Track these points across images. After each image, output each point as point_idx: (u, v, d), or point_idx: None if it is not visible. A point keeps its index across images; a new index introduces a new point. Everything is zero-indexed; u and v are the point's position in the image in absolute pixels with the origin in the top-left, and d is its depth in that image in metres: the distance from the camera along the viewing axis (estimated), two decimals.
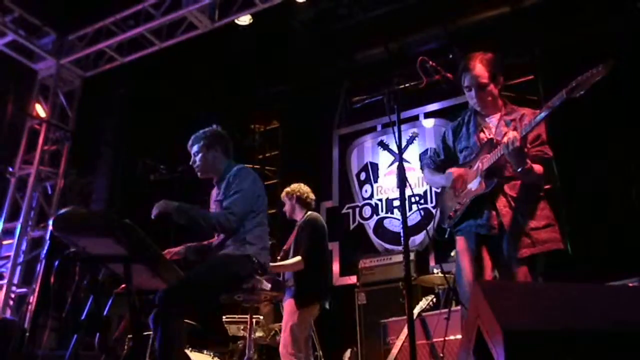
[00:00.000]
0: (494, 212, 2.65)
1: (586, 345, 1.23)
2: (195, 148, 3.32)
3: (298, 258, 4.02)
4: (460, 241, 2.76)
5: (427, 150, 6.52)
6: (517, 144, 2.42)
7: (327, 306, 4.11)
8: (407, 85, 2.33)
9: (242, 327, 5.02)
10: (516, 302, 1.35)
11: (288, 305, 4.04)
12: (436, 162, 3.07)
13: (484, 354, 1.35)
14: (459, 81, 2.82)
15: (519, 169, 2.52)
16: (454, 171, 2.85)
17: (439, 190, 3.08)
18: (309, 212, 4.32)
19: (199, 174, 3.32)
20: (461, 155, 2.91)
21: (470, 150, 2.84)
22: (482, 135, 2.82)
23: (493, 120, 2.84)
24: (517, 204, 2.65)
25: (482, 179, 2.66)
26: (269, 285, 3.14)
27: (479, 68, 2.78)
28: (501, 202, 2.66)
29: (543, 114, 2.46)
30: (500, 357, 1.22)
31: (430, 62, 2.42)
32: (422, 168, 3.21)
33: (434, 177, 3.04)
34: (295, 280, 4.06)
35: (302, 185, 4.48)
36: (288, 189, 4.47)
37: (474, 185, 2.70)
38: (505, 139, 2.50)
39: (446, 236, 2.86)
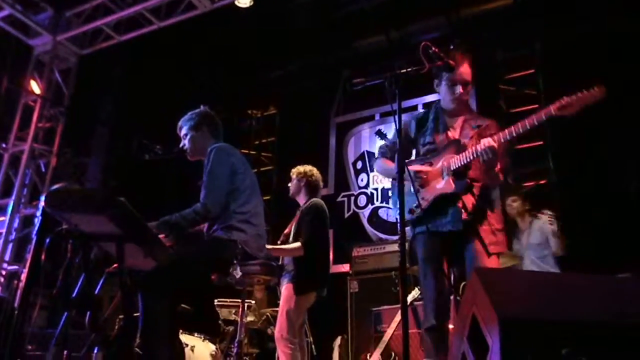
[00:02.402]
0: (461, 210, 2.71)
1: (582, 336, 1.22)
2: (184, 130, 3.27)
3: (298, 244, 3.98)
4: (425, 247, 2.77)
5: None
6: (494, 149, 2.54)
7: (323, 294, 4.10)
8: (409, 70, 2.31)
9: (233, 311, 5.02)
10: (513, 290, 1.34)
11: (286, 290, 4.01)
12: (394, 151, 3.03)
13: (478, 341, 1.34)
14: (441, 74, 2.87)
15: (492, 172, 2.66)
16: (414, 169, 2.85)
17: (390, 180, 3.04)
18: (314, 199, 4.27)
19: (188, 156, 3.28)
20: (423, 149, 2.94)
21: (434, 147, 2.88)
22: (449, 134, 2.88)
23: (458, 121, 2.90)
24: (482, 204, 2.75)
25: (451, 178, 2.71)
26: (240, 274, 3.07)
27: (466, 66, 2.84)
28: (469, 201, 2.73)
29: (525, 127, 2.51)
30: (495, 344, 1.21)
31: (433, 48, 2.40)
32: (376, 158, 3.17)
33: (390, 166, 3.01)
34: (295, 266, 4.02)
35: (314, 169, 4.41)
36: (300, 168, 4.37)
37: (440, 184, 2.74)
38: (482, 144, 2.59)
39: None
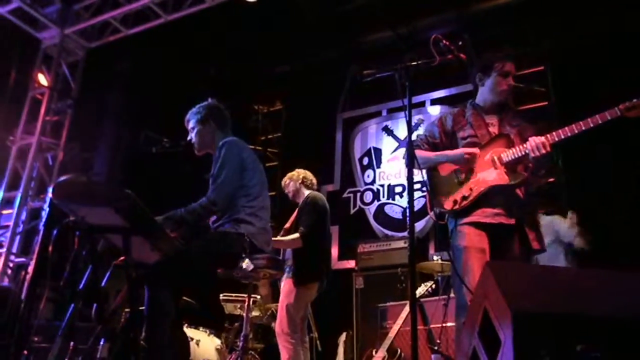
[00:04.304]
0: (512, 203, 2.69)
1: (597, 331, 1.20)
2: (191, 124, 3.25)
3: (296, 235, 4.03)
4: (469, 236, 2.68)
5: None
6: (547, 149, 2.52)
7: (324, 286, 4.11)
8: (419, 62, 2.28)
9: (238, 306, 5.02)
10: (526, 284, 1.32)
11: (286, 284, 4.06)
12: (430, 143, 3.00)
13: (490, 336, 1.32)
14: (491, 66, 2.86)
15: (540, 172, 2.68)
16: (470, 152, 2.79)
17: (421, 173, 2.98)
18: (311, 192, 4.34)
19: (196, 150, 3.26)
20: (463, 142, 2.90)
21: (477, 140, 2.84)
22: (490, 129, 2.86)
23: (495, 119, 2.89)
24: (528, 199, 2.76)
25: (503, 170, 2.69)
26: (251, 266, 3.06)
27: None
28: (522, 196, 2.74)
29: (580, 129, 2.50)
30: (507, 339, 1.19)
31: (444, 41, 2.38)
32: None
33: (428, 154, 2.94)
34: (294, 258, 4.07)
35: (308, 172, 4.54)
36: (292, 173, 4.51)
37: (489, 175, 2.70)
38: (532, 143, 2.57)
39: (445, 220, 2.85)
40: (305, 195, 4.34)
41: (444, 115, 3.04)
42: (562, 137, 2.53)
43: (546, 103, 5.93)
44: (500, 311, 1.26)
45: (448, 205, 2.78)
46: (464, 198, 2.72)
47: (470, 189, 2.72)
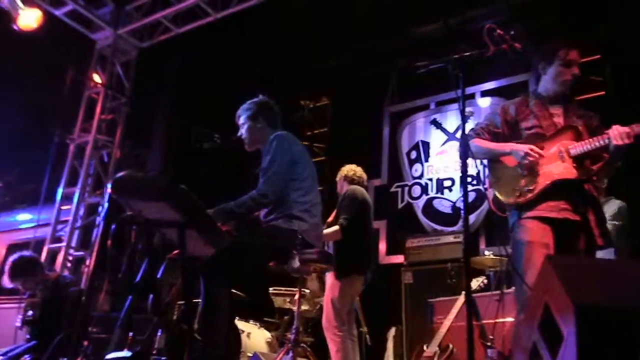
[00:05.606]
0: (578, 198, 2.61)
1: None
2: (241, 119, 3.30)
3: (336, 227, 4.08)
4: (533, 231, 2.59)
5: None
6: (630, 140, 2.43)
7: (367, 280, 4.14)
8: (473, 52, 2.24)
9: (288, 300, 5.07)
10: (588, 278, 1.28)
11: (329, 278, 4.12)
12: (491, 132, 2.91)
13: (550, 330, 1.28)
14: (554, 55, 2.78)
15: (616, 164, 2.60)
16: (527, 147, 2.70)
17: (480, 164, 2.90)
18: (351, 186, 4.38)
19: (246, 146, 3.31)
20: (527, 132, 2.81)
21: (542, 132, 2.76)
22: (555, 119, 2.77)
23: (559, 109, 2.80)
24: (598, 194, 2.68)
25: (571, 164, 2.61)
26: (298, 264, 3.08)
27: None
28: (589, 191, 2.65)
29: None
30: (570, 333, 1.15)
31: (498, 30, 2.32)
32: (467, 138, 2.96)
33: (490, 145, 2.85)
34: (335, 251, 4.12)
35: (353, 165, 4.59)
36: (342, 169, 4.60)
37: (555, 168, 2.63)
38: (616, 132, 2.47)
39: (507, 213, 2.77)
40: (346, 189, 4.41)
41: (507, 104, 2.95)
42: None
43: (603, 93, 5.70)
44: (562, 305, 1.22)
45: (511, 197, 2.70)
46: (529, 191, 2.63)
47: (535, 182, 2.64)
